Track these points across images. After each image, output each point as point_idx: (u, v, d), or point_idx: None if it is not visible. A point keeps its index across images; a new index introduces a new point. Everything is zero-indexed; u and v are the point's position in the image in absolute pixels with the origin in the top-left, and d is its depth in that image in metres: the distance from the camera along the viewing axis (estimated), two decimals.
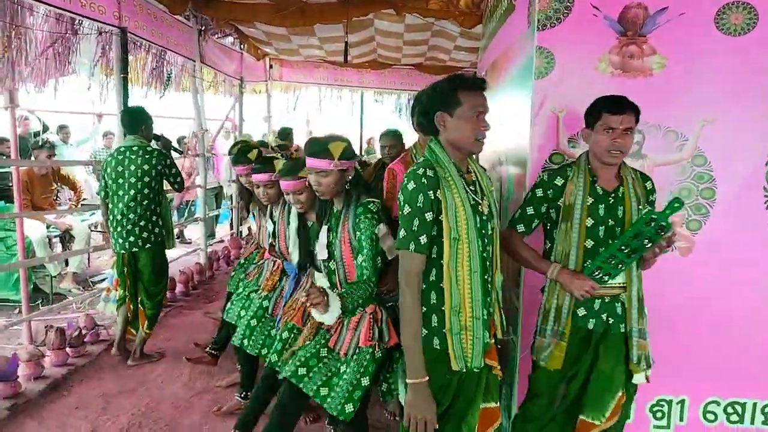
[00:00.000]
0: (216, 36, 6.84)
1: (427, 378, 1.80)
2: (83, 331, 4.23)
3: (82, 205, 6.09)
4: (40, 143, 5.86)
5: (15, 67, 4.07)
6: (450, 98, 1.86)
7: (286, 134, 7.46)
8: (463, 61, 7.81)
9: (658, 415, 2.70)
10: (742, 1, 2.43)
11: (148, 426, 3.24)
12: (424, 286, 1.86)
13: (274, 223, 3.16)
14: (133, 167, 3.82)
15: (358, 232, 2.28)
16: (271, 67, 8.69)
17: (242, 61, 7.97)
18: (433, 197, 1.80)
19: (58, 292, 5.49)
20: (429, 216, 1.80)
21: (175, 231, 8.03)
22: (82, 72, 5.04)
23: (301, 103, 9.79)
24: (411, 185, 1.81)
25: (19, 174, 4.24)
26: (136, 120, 3.98)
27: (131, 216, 3.84)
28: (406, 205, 1.81)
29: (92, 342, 4.28)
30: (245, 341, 3.06)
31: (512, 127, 2.96)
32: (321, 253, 2.42)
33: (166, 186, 4.09)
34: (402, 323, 1.84)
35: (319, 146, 2.31)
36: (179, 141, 8.75)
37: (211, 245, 7.63)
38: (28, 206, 5.26)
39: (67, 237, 5.83)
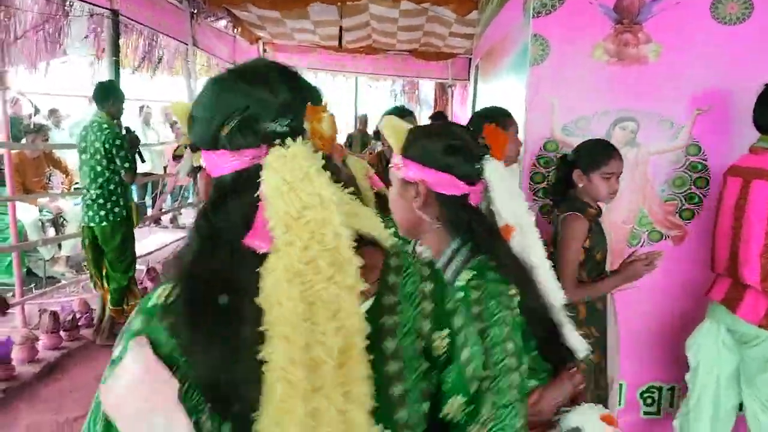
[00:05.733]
0: (209, 19, 6.77)
1: None
2: (77, 315, 4.23)
3: (74, 188, 6.06)
4: (32, 126, 5.81)
5: (5, 48, 4.03)
6: None
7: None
8: (458, 47, 7.76)
9: (648, 401, 2.75)
10: None
11: None
12: None
13: None
14: (89, 144, 3.85)
15: None
16: (264, 51, 8.62)
17: (235, 45, 7.90)
18: None
19: (51, 275, 5.48)
20: None
21: (169, 216, 8.10)
22: (73, 54, 4.99)
23: None
24: None
25: (11, 157, 4.21)
26: (104, 94, 3.94)
27: (91, 191, 3.87)
28: None
29: (86, 325, 4.28)
30: None
31: None
32: None
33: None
34: None
35: None
36: (172, 125, 8.69)
37: None
38: (20, 190, 5.22)
39: (60, 220, 5.80)
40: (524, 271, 1.24)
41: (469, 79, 7.88)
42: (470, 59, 7.67)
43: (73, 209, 5.78)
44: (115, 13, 4.52)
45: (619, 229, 2.62)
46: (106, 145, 3.82)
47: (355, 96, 10.10)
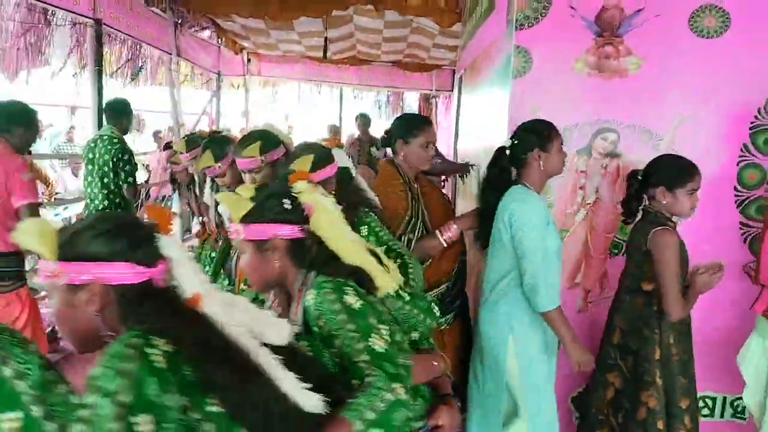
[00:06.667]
0: (193, 29, 6.76)
1: None
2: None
3: (55, 199, 5.99)
4: None
5: None
6: None
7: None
8: (442, 59, 7.83)
9: None
10: (715, 5, 2.48)
11: None
12: None
13: None
14: (98, 155, 3.95)
15: None
16: (249, 61, 8.62)
17: (220, 55, 7.89)
18: None
19: (31, 287, 5.38)
20: None
21: None
22: (55, 64, 4.94)
23: (280, 99, 9.72)
24: None
25: None
26: (119, 110, 4.12)
27: (96, 202, 3.98)
28: None
29: None
30: None
31: (490, 126, 2.98)
32: None
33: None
34: None
35: None
36: (155, 135, 8.64)
37: (187, 240, 7.54)
38: None
39: None
40: (218, 347, 1.05)
41: (453, 90, 7.95)
42: (454, 71, 7.73)
43: (53, 220, 5.71)
44: (98, 23, 4.49)
45: (601, 238, 2.65)
46: (114, 159, 3.94)
47: (339, 107, 10.11)
